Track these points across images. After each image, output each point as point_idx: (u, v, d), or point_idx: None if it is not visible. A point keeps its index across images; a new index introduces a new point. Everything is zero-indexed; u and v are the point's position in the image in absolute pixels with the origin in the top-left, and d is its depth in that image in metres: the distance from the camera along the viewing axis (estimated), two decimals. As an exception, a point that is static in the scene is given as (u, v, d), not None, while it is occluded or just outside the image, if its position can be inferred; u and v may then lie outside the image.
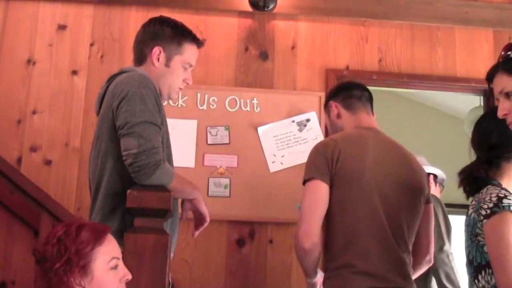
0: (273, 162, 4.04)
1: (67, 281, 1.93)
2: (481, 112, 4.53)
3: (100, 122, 2.77)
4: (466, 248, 2.54)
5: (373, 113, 3.06)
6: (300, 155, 3.91)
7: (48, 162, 4.08)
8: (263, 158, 4.05)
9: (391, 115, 7.40)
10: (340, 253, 2.73)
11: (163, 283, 2.45)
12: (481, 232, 2.41)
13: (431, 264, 3.01)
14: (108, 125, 2.67)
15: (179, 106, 4.12)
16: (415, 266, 2.90)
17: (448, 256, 4.07)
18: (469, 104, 5.72)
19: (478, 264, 2.45)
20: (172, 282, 2.79)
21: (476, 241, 2.45)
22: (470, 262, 2.50)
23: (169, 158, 2.77)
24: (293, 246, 2.77)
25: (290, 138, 3.98)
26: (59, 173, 4.06)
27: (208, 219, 2.81)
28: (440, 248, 4.01)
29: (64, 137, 4.14)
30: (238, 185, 3.99)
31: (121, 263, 2.07)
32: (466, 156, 2.70)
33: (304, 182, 2.78)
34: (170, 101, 3.55)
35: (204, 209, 2.78)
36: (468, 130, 4.79)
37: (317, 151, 2.83)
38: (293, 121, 4.12)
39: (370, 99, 3.08)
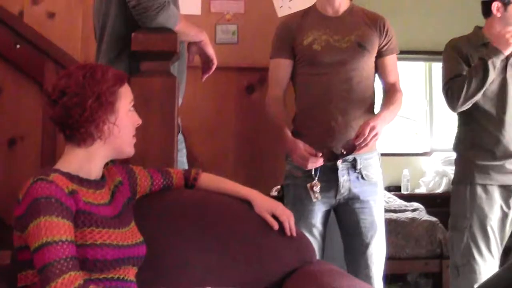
0: (280, 7, 3.93)
1: (100, 117, 1.91)
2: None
3: (102, -36, 2.68)
4: None
5: None
6: (308, -1, 3.79)
7: (51, 15, 3.99)
8: (271, 3, 3.94)
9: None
10: None
11: (172, 125, 2.45)
12: None
13: None
14: None
15: (183, -49, 3.95)
16: None
17: None
18: None
19: None
20: (182, 129, 2.78)
21: None
22: None
23: (175, 1, 2.68)
24: None
25: (298, -18, 3.85)
26: (63, 26, 3.98)
27: (215, 61, 2.77)
28: None
29: (67, -13, 4.02)
30: (246, 31, 3.92)
31: (133, 108, 2.05)
32: None
33: None
34: None
35: (211, 52, 2.73)
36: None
37: None
38: (301, -37, 3.96)
39: None
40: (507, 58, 3.27)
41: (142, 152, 2.27)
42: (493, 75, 3.14)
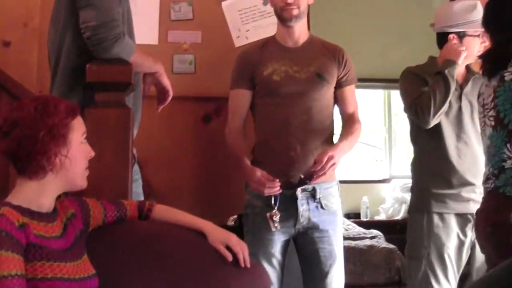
0: (238, 37, 3.92)
1: (51, 149, 1.90)
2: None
3: (58, -5, 2.67)
4: (501, 112, 2.51)
5: None
6: (265, 29, 3.78)
7: (6, 44, 3.95)
8: (228, 33, 3.93)
9: None
10: None
11: (126, 157, 2.43)
12: None
13: None
14: None
15: (140, -18, 3.94)
16: None
17: None
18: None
19: None
20: (138, 159, 2.77)
21: None
22: (504, 126, 2.48)
23: (130, 32, 2.69)
24: None
25: (254, 12, 3.85)
26: (18, 55, 3.94)
27: (171, 92, 2.78)
28: None
29: (22, 17, 3.97)
30: (203, 61, 3.89)
31: (85, 140, 2.04)
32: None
33: None
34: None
35: (167, 82, 2.74)
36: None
37: None
38: (258, -6, 3.99)
39: None
40: (461, 87, 3.33)
41: (96, 184, 2.25)
42: (454, 85, 3.19)
